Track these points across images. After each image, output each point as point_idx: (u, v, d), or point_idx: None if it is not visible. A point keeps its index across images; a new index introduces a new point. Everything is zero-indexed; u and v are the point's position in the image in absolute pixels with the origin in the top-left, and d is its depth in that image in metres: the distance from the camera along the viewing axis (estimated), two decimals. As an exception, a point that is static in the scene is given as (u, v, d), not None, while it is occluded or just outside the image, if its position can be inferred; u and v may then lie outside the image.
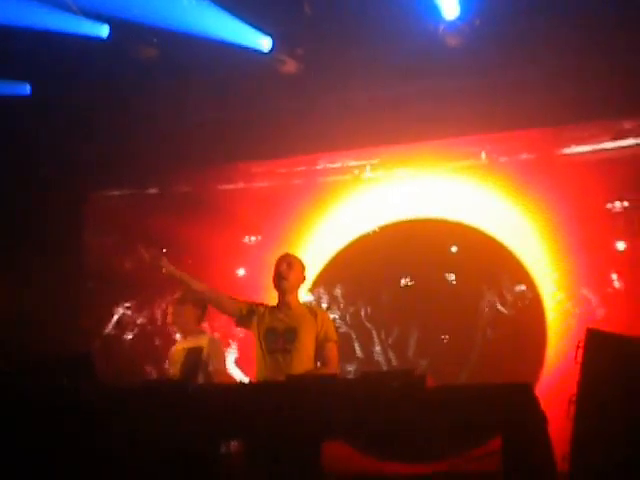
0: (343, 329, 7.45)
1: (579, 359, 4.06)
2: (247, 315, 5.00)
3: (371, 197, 7.71)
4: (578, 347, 4.09)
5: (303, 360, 4.74)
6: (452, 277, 7.30)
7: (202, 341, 5.44)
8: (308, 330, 4.85)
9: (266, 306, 5.05)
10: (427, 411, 3.72)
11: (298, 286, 5.05)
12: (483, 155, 7.33)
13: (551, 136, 7.11)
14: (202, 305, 5.53)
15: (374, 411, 3.77)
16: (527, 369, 6.57)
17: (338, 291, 7.60)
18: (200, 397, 4.10)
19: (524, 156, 7.25)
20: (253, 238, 7.93)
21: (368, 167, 7.68)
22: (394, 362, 7.30)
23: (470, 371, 6.96)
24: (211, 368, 5.29)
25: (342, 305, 7.53)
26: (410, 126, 6.87)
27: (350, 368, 7.18)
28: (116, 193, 8.33)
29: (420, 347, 7.23)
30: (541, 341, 6.86)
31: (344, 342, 7.15)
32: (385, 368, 7.21)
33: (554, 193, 6.97)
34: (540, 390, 3.81)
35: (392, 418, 3.75)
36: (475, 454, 4.27)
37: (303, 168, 7.88)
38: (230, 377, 5.72)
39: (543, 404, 3.68)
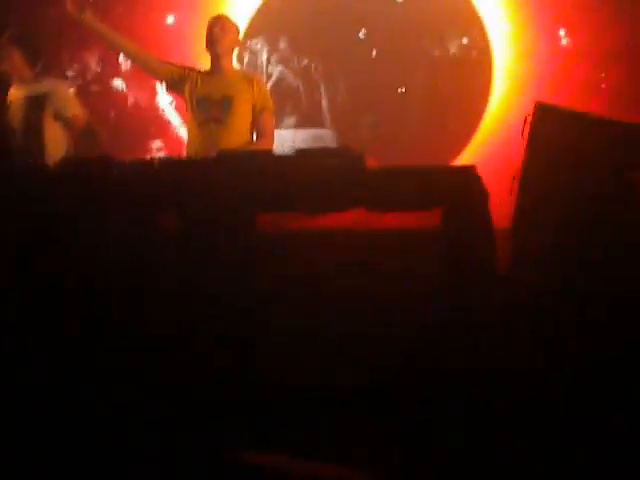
0: (290, 80, 7.13)
1: (525, 134, 3.89)
2: (178, 80, 4.68)
3: None
4: (525, 121, 3.90)
5: (238, 131, 4.51)
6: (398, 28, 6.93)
7: (42, 88, 4.96)
8: (244, 98, 4.58)
9: (198, 71, 4.73)
10: (364, 189, 3.57)
11: (232, 50, 4.74)
12: None
13: None
14: (31, 45, 5.04)
15: (309, 188, 3.62)
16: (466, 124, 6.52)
17: (282, 44, 7.20)
18: (127, 173, 3.86)
19: None
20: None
21: None
22: (340, 117, 7.06)
23: (411, 131, 6.81)
24: (69, 114, 4.92)
25: (290, 58, 7.15)
26: None
27: (292, 119, 6.94)
28: None
29: (367, 102, 6.98)
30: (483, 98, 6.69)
31: (290, 93, 6.94)
32: (328, 123, 6.97)
33: None
34: (484, 166, 3.62)
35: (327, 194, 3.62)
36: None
37: None
38: (91, 121, 5.15)
39: (486, 180, 3.57)
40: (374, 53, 6.96)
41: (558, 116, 3.91)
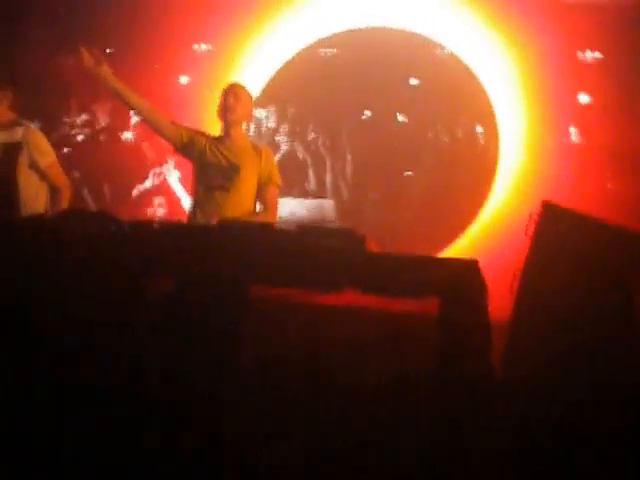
0: (296, 152, 7.16)
1: (530, 232, 3.85)
2: (188, 143, 4.66)
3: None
4: (531, 218, 3.86)
5: (242, 200, 4.52)
6: (405, 115, 6.99)
7: (17, 134, 4.74)
8: (251, 168, 4.59)
9: (208, 136, 4.72)
10: (362, 271, 3.53)
11: (244, 120, 4.75)
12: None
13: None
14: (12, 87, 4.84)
15: (307, 265, 3.58)
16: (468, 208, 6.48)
17: (291, 110, 7.26)
18: (127, 234, 3.81)
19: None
20: (204, 47, 7.43)
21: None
22: (344, 193, 7.07)
23: (411, 214, 6.80)
24: (44, 164, 4.74)
25: (297, 128, 7.19)
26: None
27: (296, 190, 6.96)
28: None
29: (372, 181, 6.99)
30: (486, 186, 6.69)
31: (296, 164, 6.97)
32: (332, 199, 6.95)
33: (534, 30, 6.61)
34: (486, 260, 3.59)
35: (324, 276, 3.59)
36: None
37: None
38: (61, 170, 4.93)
39: (487, 276, 3.54)
40: (381, 133, 6.99)
41: (564, 217, 3.87)
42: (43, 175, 4.77)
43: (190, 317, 3.93)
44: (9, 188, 4.67)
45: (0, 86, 4.80)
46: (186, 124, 4.85)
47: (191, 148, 4.65)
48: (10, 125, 4.78)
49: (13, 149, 4.71)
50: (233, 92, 4.65)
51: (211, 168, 4.57)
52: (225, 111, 4.62)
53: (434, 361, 3.50)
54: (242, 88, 4.75)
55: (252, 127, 7.12)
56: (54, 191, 4.83)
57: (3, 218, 4.37)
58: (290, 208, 5.15)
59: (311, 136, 7.18)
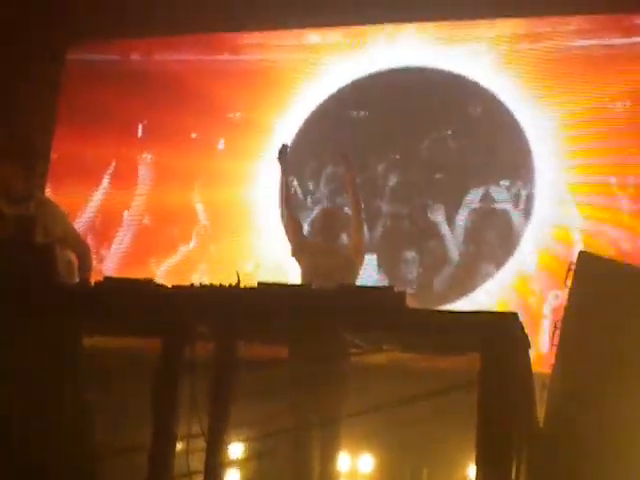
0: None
1: (568, 283, 3.85)
2: (299, 251, 5.19)
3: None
4: (569, 270, 3.87)
5: None
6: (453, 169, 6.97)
7: (30, 208, 4.59)
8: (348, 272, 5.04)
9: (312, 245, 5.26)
10: (401, 328, 3.54)
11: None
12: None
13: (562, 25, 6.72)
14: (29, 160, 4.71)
15: (345, 324, 3.60)
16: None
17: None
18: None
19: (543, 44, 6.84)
20: (238, 114, 7.58)
21: (362, 41, 7.30)
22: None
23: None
24: (59, 230, 4.59)
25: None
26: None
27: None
28: (96, 57, 7.90)
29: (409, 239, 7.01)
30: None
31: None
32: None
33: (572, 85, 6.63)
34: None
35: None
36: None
37: (294, 42, 7.49)
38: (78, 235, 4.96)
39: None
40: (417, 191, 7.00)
41: (601, 265, 3.88)
42: (60, 242, 4.51)
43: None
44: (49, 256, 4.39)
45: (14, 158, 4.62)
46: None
47: (302, 255, 5.17)
48: (22, 196, 4.59)
49: (27, 221, 4.54)
50: (333, 218, 5.36)
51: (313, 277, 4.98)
52: (328, 236, 5.22)
53: (477, 417, 3.47)
54: (341, 213, 5.73)
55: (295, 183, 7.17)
56: (78, 257, 4.70)
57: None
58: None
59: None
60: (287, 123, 7.32)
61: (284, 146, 5.39)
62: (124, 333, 4.06)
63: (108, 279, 3.96)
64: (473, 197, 6.79)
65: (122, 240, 7.52)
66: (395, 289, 3.58)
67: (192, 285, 3.74)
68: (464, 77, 6.97)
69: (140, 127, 7.68)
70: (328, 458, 4.72)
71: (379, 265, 6.79)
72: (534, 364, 3.69)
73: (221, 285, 3.73)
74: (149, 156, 7.61)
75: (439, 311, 3.68)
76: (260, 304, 3.66)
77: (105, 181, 7.64)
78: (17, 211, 4.55)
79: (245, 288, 3.77)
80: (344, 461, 5.31)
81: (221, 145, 7.54)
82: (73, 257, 4.68)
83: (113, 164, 7.63)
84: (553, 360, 3.86)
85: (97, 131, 7.49)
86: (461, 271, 6.66)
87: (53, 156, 7.58)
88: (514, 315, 3.43)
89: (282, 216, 5.42)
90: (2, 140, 4.86)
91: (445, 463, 5.18)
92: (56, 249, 4.01)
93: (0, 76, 7.05)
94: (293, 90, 7.36)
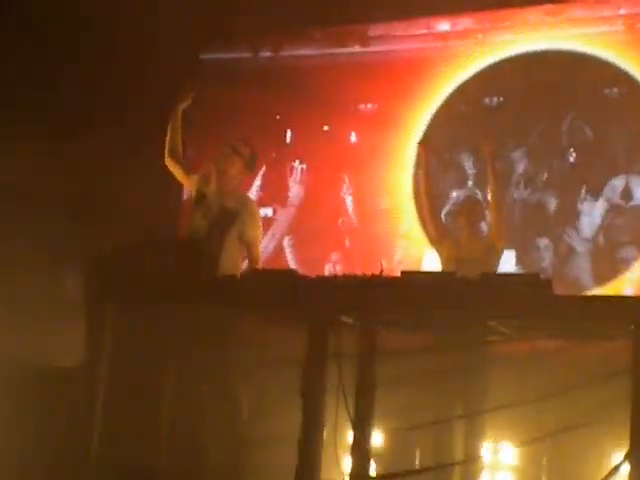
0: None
1: None
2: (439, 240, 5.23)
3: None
4: None
5: None
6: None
7: (238, 203, 4.79)
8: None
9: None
10: (550, 315, 3.48)
11: None
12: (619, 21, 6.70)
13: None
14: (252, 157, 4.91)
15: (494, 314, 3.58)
16: None
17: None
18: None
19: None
20: (369, 105, 7.58)
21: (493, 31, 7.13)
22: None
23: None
24: (250, 235, 4.74)
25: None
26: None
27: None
28: (227, 56, 8.03)
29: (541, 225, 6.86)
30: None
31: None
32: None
33: None
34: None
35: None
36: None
37: (423, 31, 7.42)
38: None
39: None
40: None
41: None
42: (245, 245, 4.74)
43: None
44: (217, 251, 4.64)
45: (226, 155, 4.86)
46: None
47: None
48: (231, 191, 4.83)
49: (228, 216, 4.72)
50: None
51: None
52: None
53: (632, 405, 3.38)
54: None
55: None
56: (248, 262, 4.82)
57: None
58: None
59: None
60: (418, 112, 7.26)
61: None
62: (271, 323, 4.15)
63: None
64: (613, 188, 6.55)
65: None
66: (541, 276, 3.54)
67: (336, 275, 3.80)
68: (598, 58, 6.75)
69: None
70: (472, 448, 4.69)
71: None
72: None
73: (364, 275, 3.77)
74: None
75: (588, 296, 3.59)
76: (404, 293, 3.69)
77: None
78: (222, 201, 4.77)
79: (389, 277, 3.80)
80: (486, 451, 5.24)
81: (353, 138, 7.56)
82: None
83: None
84: None
85: (231, 130, 7.54)
86: (596, 259, 6.46)
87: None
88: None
89: None
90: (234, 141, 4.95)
91: (584, 452, 5.04)
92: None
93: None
94: (425, 79, 7.29)
